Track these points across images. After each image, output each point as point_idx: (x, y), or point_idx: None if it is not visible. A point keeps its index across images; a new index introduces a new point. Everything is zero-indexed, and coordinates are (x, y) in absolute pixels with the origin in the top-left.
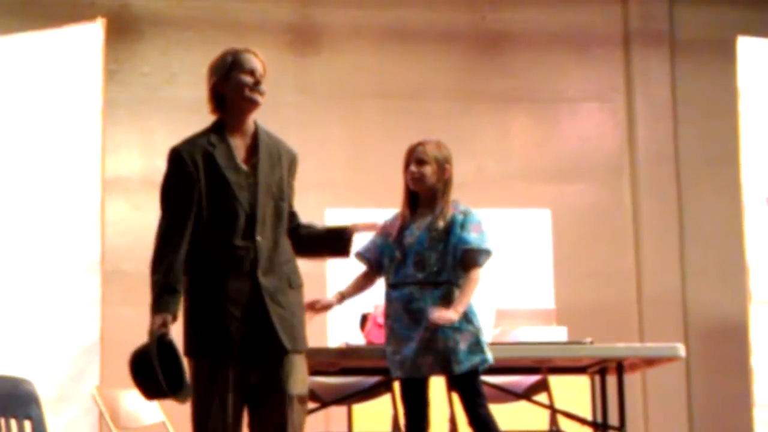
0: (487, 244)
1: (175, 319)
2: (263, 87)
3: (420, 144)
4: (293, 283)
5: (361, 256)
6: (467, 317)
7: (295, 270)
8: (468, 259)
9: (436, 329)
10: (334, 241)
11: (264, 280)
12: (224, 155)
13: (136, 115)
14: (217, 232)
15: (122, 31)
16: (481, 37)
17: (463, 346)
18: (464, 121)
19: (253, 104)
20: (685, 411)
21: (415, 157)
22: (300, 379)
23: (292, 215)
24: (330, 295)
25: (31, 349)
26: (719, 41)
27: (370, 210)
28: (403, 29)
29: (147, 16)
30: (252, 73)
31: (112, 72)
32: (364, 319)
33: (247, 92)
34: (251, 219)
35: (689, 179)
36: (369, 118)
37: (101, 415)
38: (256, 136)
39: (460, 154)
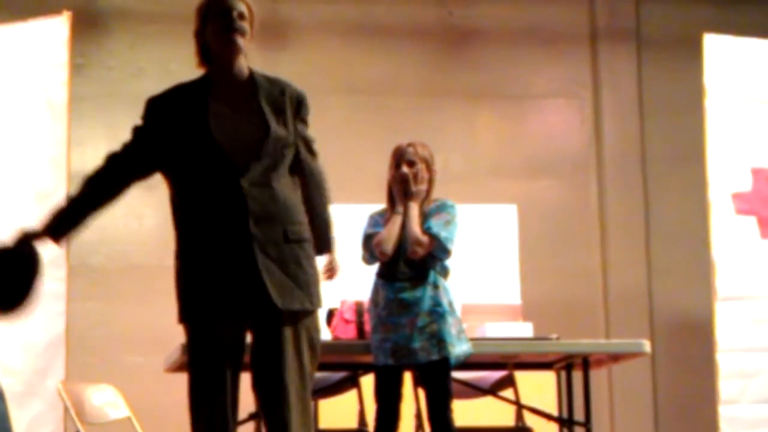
0: (438, 230)
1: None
2: (242, 25)
3: (410, 145)
4: (290, 237)
5: (372, 235)
6: (452, 305)
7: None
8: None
9: (431, 314)
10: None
11: (257, 231)
12: (215, 101)
13: (103, 110)
14: (200, 179)
15: (88, 25)
16: (448, 32)
17: (454, 330)
18: (431, 116)
19: (232, 47)
20: (651, 407)
21: (406, 158)
22: (301, 344)
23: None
24: None
25: None
26: (686, 38)
27: (337, 205)
28: (369, 24)
29: (113, 10)
30: (227, 13)
31: (78, 66)
32: (331, 314)
33: (223, 37)
34: (245, 167)
35: (655, 176)
36: (336, 114)
37: (66, 409)
38: (252, 82)
39: None
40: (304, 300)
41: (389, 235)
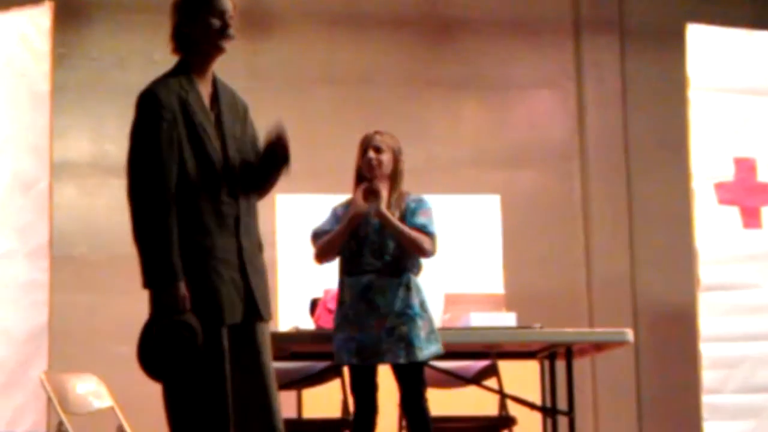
0: (433, 228)
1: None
2: (233, 30)
3: (377, 133)
4: (261, 247)
5: (319, 234)
6: (423, 306)
7: (259, 234)
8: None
9: (400, 316)
10: (271, 156)
11: (244, 241)
12: (196, 101)
13: (85, 100)
14: (201, 186)
15: (70, 15)
16: (432, 23)
17: (423, 333)
18: (414, 107)
19: (221, 51)
20: (634, 396)
21: (373, 145)
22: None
23: None
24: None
25: None
26: (669, 29)
27: (320, 196)
28: (353, 14)
29: (95, 0)
30: (222, 15)
31: (60, 56)
32: (314, 304)
33: (216, 39)
34: (229, 174)
35: (639, 166)
36: (319, 104)
37: (49, 400)
38: (215, 84)
39: (410, 140)
40: (269, 310)
41: (331, 247)
